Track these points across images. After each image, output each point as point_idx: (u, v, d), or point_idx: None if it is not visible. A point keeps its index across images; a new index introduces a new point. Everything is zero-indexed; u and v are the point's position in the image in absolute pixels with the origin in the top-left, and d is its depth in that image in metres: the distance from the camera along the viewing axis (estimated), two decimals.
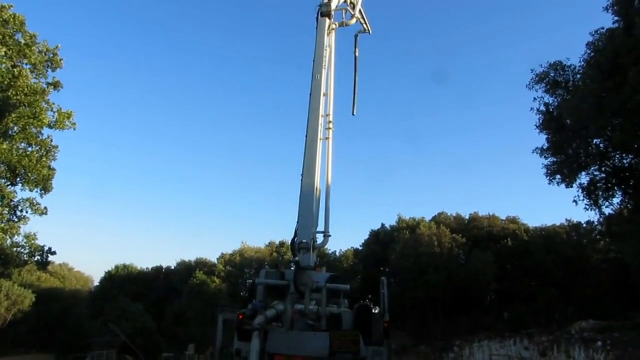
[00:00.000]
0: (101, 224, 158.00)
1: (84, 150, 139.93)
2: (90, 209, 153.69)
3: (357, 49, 16.07)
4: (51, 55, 21.11)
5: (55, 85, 21.41)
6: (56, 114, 21.17)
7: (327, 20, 13.50)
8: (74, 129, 21.68)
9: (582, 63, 24.28)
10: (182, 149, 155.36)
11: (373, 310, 10.79)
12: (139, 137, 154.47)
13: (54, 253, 23.88)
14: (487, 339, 46.01)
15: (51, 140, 21.81)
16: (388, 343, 9.97)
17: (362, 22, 16.18)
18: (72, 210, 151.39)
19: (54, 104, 21.31)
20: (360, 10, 15.77)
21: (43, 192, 21.54)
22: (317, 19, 13.68)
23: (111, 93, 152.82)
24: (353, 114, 15.29)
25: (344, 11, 14.88)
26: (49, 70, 21.34)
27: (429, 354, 44.28)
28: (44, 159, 21.08)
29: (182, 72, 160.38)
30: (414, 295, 52.38)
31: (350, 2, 15.03)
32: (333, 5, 13.82)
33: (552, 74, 25.40)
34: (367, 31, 16.53)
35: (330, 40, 13.53)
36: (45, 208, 21.91)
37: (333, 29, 13.87)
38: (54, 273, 77.47)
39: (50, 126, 21.15)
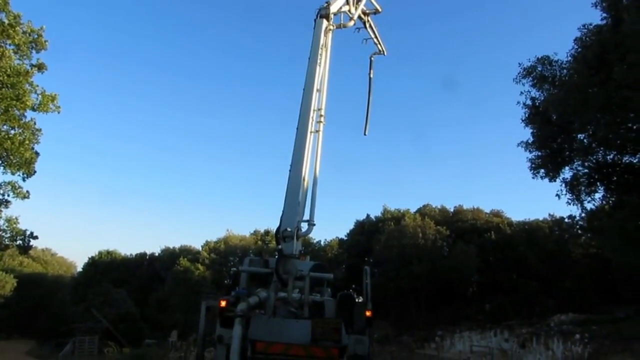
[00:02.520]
0: (85, 209, 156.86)
1: (68, 135, 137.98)
2: (74, 194, 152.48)
3: (372, 71, 16.60)
4: (35, 36, 20.70)
5: (40, 67, 21.02)
6: (40, 96, 20.79)
7: (325, 22, 13.67)
8: (58, 113, 21.32)
9: (570, 58, 24.51)
10: (167, 136, 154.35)
11: (356, 300, 10.84)
12: (124, 123, 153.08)
13: (36, 238, 23.59)
14: (468, 330, 46.59)
15: (34, 123, 21.50)
16: (370, 332, 10.02)
17: (377, 42, 16.60)
18: (55, 195, 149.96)
19: (37, 86, 20.91)
20: (375, 32, 16.26)
21: (26, 175, 21.25)
22: (315, 20, 13.83)
23: (96, 77, 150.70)
24: (365, 134, 16.18)
25: (342, 15, 14.95)
26: (33, 51, 20.96)
27: (411, 343, 44.75)
28: (27, 142, 20.76)
29: (168, 57, 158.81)
30: (397, 286, 52.76)
31: (349, 11, 15.09)
32: (333, 9, 13.96)
33: (539, 69, 25.59)
34: (382, 52, 16.94)
35: (326, 40, 13.70)
36: (27, 192, 21.64)
37: (330, 30, 14.00)
38: (36, 258, 76.88)
39: (33, 109, 20.77)
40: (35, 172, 21.50)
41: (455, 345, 44.98)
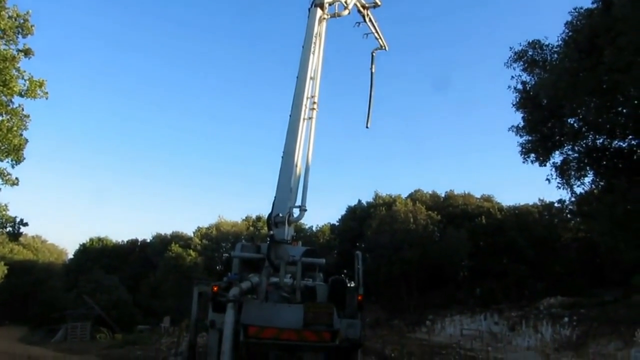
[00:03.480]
0: (75, 196, 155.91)
1: (57, 120, 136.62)
2: (64, 180, 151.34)
3: (373, 66, 16.62)
4: (22, 21, 20.37)
5: (27, 52, 20.68)
6: (27, 82, 20.52)
7: (319, 11, 13.72)
8: (46, 99, 21.05)
9: (560, 42, 24.51)
10: (158, 120, 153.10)
11: (348, 284, 10.90)
12: (114, 107, 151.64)
13: (26, 224, 23.44)
14: (458, 314, 47.15)
15: (22, 110, 21.24)
16: (362, 316, 10.08)
17: (378, 37, 16.52)
18: (45, 182, 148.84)
19: (24, 71, 20.64)
20: (376, 27, 16.14)
21: (14, 162, 21.03)
22: (309, 9, 13.88)
23: (84, 61, 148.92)
24: (367, 127, 16.36)
25: (337, 4, 14.85)
26: (20, 36, 20.64)
27: (402, 327, 45.17)
28: (15, 128, 20.50)
29: (158, 39, 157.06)
30: (388, 271, 53.14)
31: (344, 1, 14.97)
32: None
33: (530, 53, 25.60)
34: (383, 48, 16.90)
35: (320, 29, 13.72)
36: (16, 179, 21.39)
37: (325, 18, 14.03)
38: (26, 245, 76.53)
39: (21, 95, 20.50)
40: (24, 158, 21.28)
41: (446, 329, 45.51)
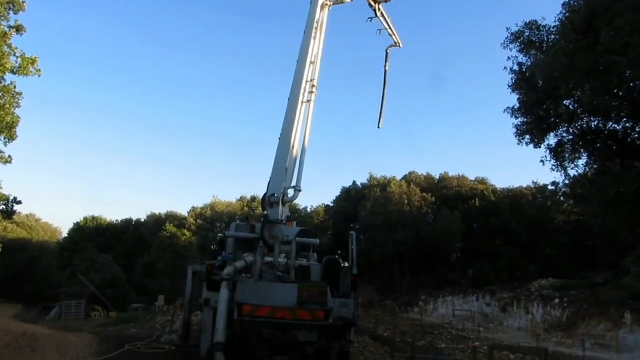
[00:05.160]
0: (69, 175, 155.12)
1: (50, 97, 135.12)
2: (58, 159, 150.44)
3: (387, 63, 16.34)
4: None
5: (18, 29, 20.41)
6: (20, 59, 20.30)
7: None
8: (39, 76, 20.87)
9: (558, 23, 24.36)
10: (152, 98, 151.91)
11: (342, 265, 10.95)
12: (108, 85, 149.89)
13: (19, 203, 23.54)
14: (451, 295, 47.63)
15: (15, 87, 21.05)
16: (355, 296, 10.15)
17: (392, 34, 16.12)
18: (39, 161, 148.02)
19: (17, 48, 20.40)
20: (388, 23, 15.69)
21: (7, 140, 20.93)
22: None
23: (77, 38, 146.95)
24: (379, 127, 16.03)
25: None
26: (11, 12, 20.36)
27: (395, 308, 45.62)
28: (8, 106, 20.35)
29: (152, 15, 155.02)
30: (382, 252, 53.52)
31: None
32: None
33: (527, 34, 25.43)
34: (397, 45, 16.52)
35: (323, 15, 13.67)
36: (9, 157, 21.34)
37: (327, 5, 13.95)
38: (20, 224, 76.43)
39: (13, 72, 20.31)
40: (17, 136, 21.17)
41: (439, 310, 46.01)
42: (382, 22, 15.66)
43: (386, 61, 16.43)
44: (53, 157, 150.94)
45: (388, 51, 16.46)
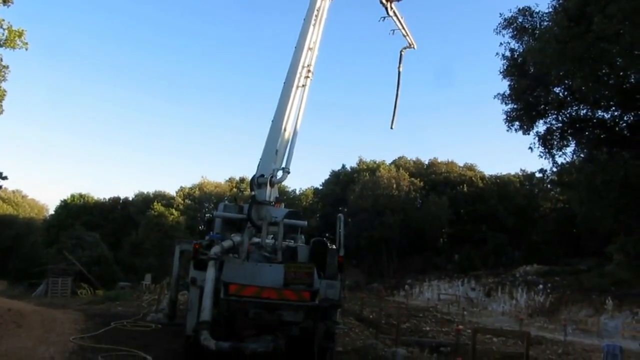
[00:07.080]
0: (56, 151, 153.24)
1: (38, 71, 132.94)
2: (45, 135, 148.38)
3: (401, 65, 16.20)
4: None
5: (4, 0, 20.08)
6: (6, 31, 19.91)
7: None
8: (26, 49, 20.47)
9: (550, 9, 24.28)
10: (143, 77, 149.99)
11: (329, 246, 11.02)
12: (98, 61, 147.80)
13: (5, 178, 23.04)
14: (437, 279, 48.21)
15: (1, 60, 20.68)
16: (342, 277, 10.24)
17: (405, 34, 15.85)
18: (25, 136, 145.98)
19: (3, 20, 20.00)
20: (402, 22, 15.40)
21: None
22: None
23: (66, 12, 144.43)
24: (392, 128, 16.08)
25: None
26: None
27: (381, 290, 46.03)
28: None
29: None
30: (370, 235, 53.82)
31: None
32: None
33: (520, 20, 25.33)
34: (411, 46, 16.27)
35: (324, 4, 13.64)
36: None
37: None
38: (6, 200, 75.82)
39: None
40: (3, 110, 20.86)
41: (424, 293, 46.53)
42: (395, 22, 15.32)
43: (400, 63, 16.28)
44: (39, 132, 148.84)
45: (402, 53, 16.24)
